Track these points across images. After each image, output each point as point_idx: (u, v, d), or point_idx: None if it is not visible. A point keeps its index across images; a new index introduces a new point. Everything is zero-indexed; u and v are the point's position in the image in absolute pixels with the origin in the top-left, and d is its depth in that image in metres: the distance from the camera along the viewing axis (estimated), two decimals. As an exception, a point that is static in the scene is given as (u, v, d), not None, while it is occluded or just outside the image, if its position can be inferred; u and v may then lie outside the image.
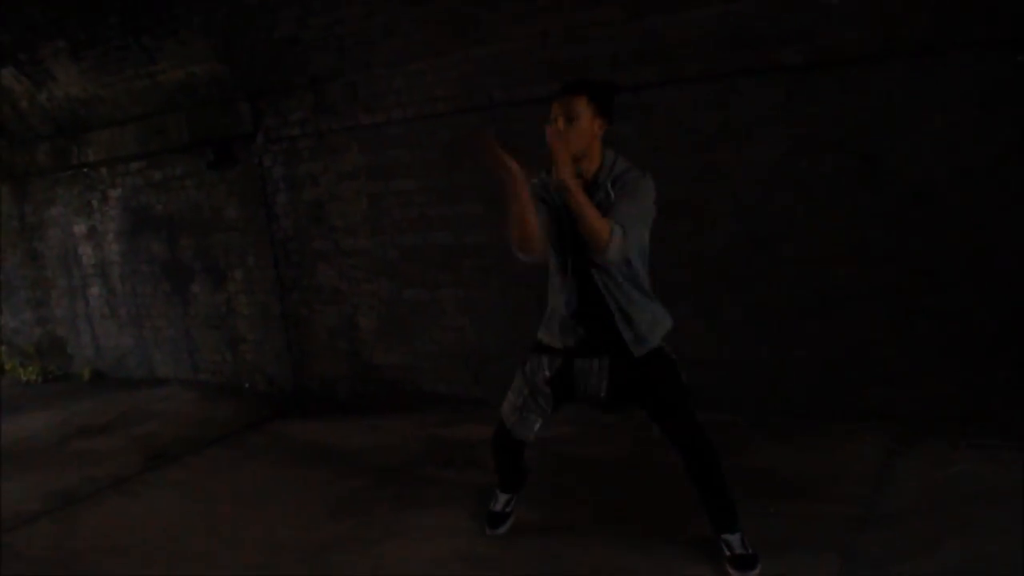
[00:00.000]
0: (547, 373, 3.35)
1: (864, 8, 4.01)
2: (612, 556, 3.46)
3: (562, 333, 3.30)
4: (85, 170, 7.41)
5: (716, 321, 4.70)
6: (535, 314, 3.50)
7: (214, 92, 6.25)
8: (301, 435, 5.63)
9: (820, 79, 4.21)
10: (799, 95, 4.28)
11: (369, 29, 5.30)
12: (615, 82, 3.38)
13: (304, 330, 6.45)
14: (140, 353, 7.62)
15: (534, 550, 3.59)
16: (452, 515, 4.02)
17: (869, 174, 4.19)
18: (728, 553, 3.25)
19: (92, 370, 7.97)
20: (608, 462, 4.45)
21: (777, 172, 4.40)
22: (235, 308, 6.77)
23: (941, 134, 4.00)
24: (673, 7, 4.44)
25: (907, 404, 4.28)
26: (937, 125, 4.00)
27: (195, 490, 4.83)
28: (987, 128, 3.89)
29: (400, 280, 5.84)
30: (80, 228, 7.66)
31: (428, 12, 5.10)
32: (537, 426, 3.47)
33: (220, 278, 6.81)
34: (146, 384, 7.47)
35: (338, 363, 6.33)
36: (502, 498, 3.82)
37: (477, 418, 5.33)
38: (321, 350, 6.40)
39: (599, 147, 3.16)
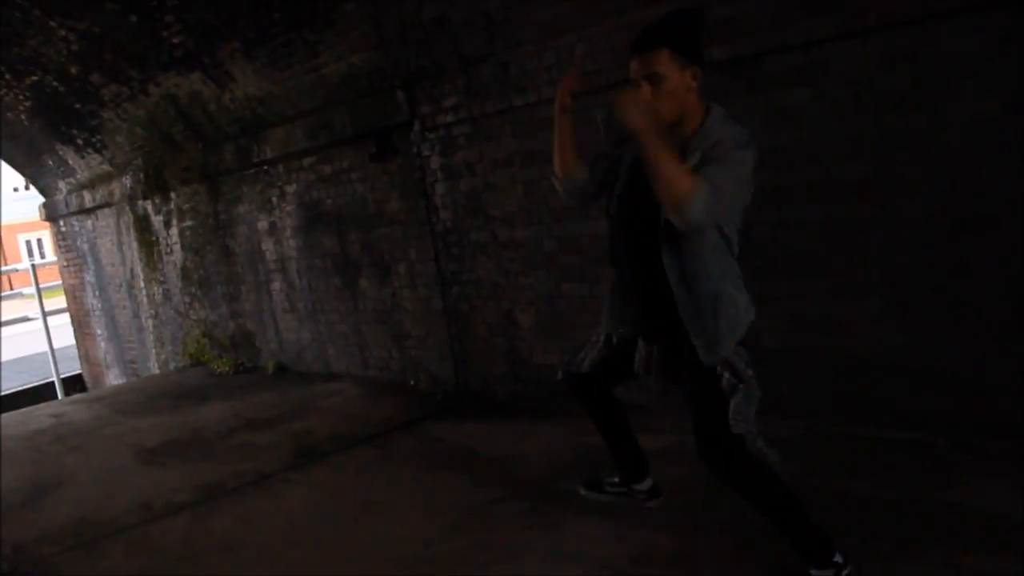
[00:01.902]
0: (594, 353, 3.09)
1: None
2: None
3: (611, 319, 3.00)
4: (265, 167, 7.57)
5: (911, 322, 3.87)
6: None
7: (373, 82, 6.10)
8: (450, 438, 5.33)
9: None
10: (1013, 37, 3.38)
11: (516, 2, 4.89)
12: (700, 10, 2.73)
13: (464, 326, 6.16)
14: (317, 348, 7.69)
15: (661, 589, 3.03)
16: (579, 538, 3.54)
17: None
18: None
19: (276, 363, 8.16)
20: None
21: (986, 136, 3.52)
22: (400, 303, 6.62)
23: None
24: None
25: None
26: None
27: (329, 492, 4.65)
28: None
29: (558, 273, 5.40)
30: (263, 224, 7.85)
31: (577, -23, 4.63)
32: (583, 363, 3.12)
33: (385, 272, 6.68)
34: (321, 379, 7.52)
35: (497, 362, 5.98)
36: (614, 477, 3.43)
37: (636, 426, 4.80)
38: (481, 348, 6.09)
39: (696, 100, 2.62)
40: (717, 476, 2.75)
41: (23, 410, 8.47)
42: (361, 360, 7.22)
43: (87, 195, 10.57)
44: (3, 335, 16.55)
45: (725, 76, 4.22)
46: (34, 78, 8.63)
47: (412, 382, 6.66)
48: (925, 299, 3.82)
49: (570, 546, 3.49)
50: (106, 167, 9.95)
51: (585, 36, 4.72)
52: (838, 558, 2.73)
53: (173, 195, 9.03)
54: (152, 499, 4.82)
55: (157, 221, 9.47)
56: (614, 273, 2.96)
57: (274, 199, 7.60)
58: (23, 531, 4.57)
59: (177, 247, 9.25)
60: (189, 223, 8.94)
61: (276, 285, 7.95)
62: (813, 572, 2.74)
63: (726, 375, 2.67)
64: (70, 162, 10.49)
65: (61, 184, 11.29)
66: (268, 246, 7.87)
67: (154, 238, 9.63)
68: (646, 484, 3.38)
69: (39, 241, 37.17)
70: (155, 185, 9.09)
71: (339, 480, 4.83)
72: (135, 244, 10.00)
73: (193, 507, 4.65)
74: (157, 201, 9.31)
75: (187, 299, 9.39)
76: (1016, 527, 3.07)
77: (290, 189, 7.39)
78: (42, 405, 8.84)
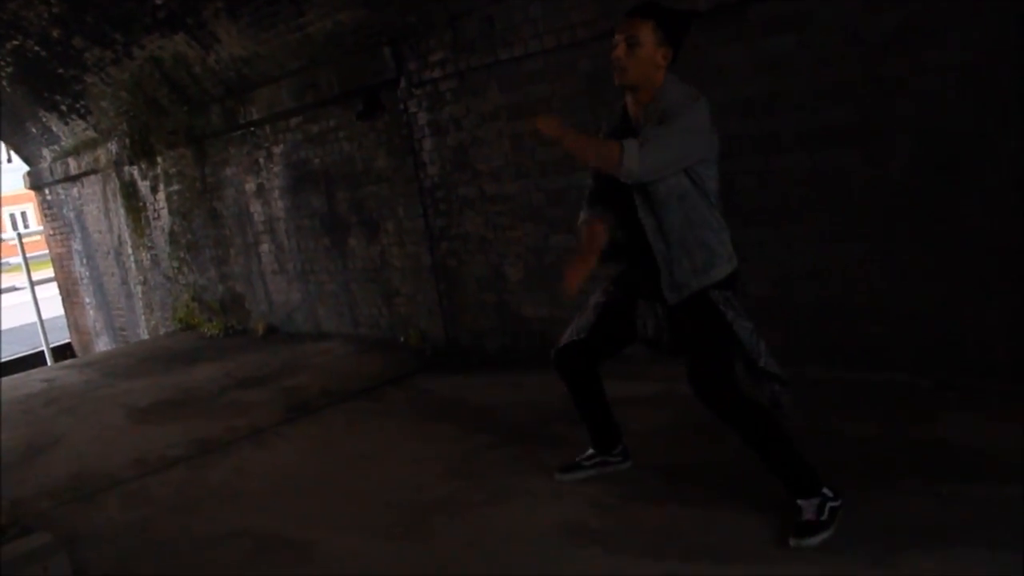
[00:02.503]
0: (600, 298, 3.28)
1: None
2: (738, 532, 2.92)
3: (619, 271, 3.19)
4: (251, 129, 7.54)
5: (895, 265, 3.94)
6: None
7: (360, 39, 6.08)
8: (441, 391, 5.39)
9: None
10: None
11: (502, -46, 4.89)
12: (694, 11, 3.13)
13: (453, 282, 6.20)
14: (307, 308, 7.72)
15: (647, 524, 3.10)
16: (573, 482, 3.59)
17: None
18: (797, 519, 2.83)
19: (266, 325, 8.18)
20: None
21: (968, 83, 3.56)
22: (388, 261, 6.65)
23: None
24: None
25: None
26: None
27: (322, 443, 4.72)
28: None
29: (546, 226, 5.43)
30: (250, 186, 7.84)
31: (562, -74, 4.62)
32: (569, 336, 3.36)
33: (374, 230, 6.70)
34: (311, 339, 7.56)
35: (487, 316, 6.03)
36: (588, 451, 3.61)
37: (624, 374, 4.84)
38: (470, 303, 6.13)
39: (662, 78, 2.89)
40: (714, 412, 2.92)
41: (14, 376, 8.49)
42: (351, 319, 7.26)
43: (72, 162, 10.50)
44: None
45: (711, 25, 4.24)
46: (15, 43, 8.52)
47: (402, 339, 6.70)
48: (908, 244, 3.88)
49: (560, 487, 3.55)
50: (91, 133, 9.88)
51: (571, -12, 4.72)
52: (826, 491, 2.85)
53: (159, 160, 8.99)
54: (147, 454, 4.86)
55: (144, 186, 9.43)
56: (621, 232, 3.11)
57: (261, 160, 7.59)
58: (20, 487, 4.60)
59: (164, 212, 9.22)
60: (176, 187, 8.91)
61: (265, 247, 7.96)
62: (800, 502, 2.85)
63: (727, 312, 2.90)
64: (54, 129, 10.40)
65: (45, 152, 11.20)
66: (256, 208, 7.87)
67: (141, 204, 9.60)
68: (618, 448, 3.57)
69: (23, 214, 36.95)
70: (141, 150, 9.04)
71: (331, 433, 4.89)
72: (122, 210, 9.96)
73: (188, 460, 4.71)
74: (143, 166, 9.27)
75: (176, 264, 9.39)
76: (991, 457, 3.16)
77: (277, 150, 7.37)
78: (33, 371, 8.85)
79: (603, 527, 3.14)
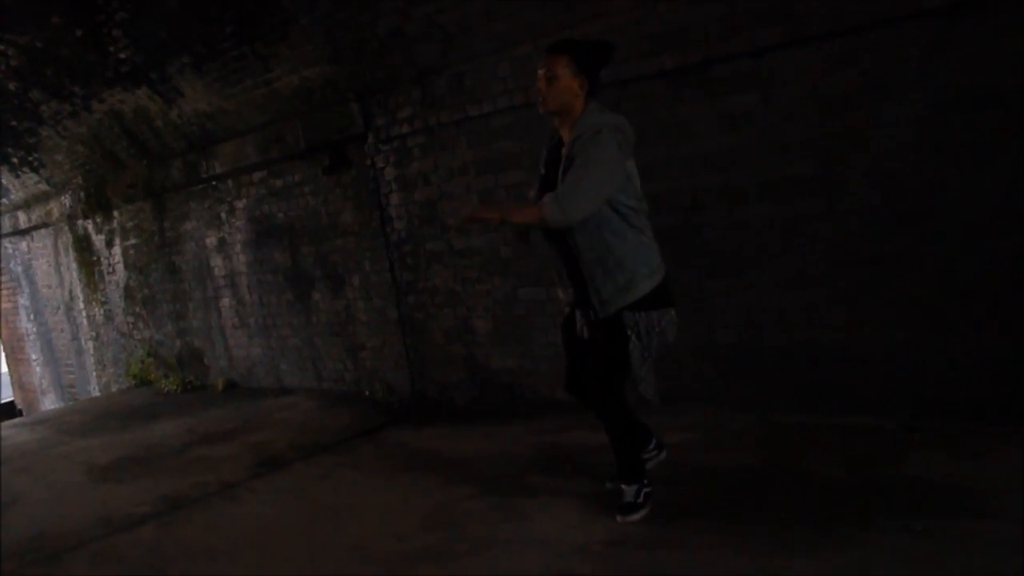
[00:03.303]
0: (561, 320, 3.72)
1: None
2: (724, 573, 2.98)
3: (563, 289, 3.59)
4: (214, 183, 7.55)
5: (857, 310, 4.10)
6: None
7: (327, 95, 6.18)
8: (412, 443, 5.38)
9: (968, 23, 3.58)
10: (944, 44, 3.66)
11: (471, 14, 5.04)
12: (605, 41, 3.42)
13: (421, 335, 6.24)
14: (268, 362, 7.66)
15: (635, 568, 3.15)
16: (550, 527, 3.64)
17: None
18: (622, 500, 3.55)
19: (226, 380, 8.09)
20: (731, 470, 3.93)
21: (922, 135, 3.78)
22: (354, 315, 6.66)
23: None
24: (793, -44, 3.93)
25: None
26: None
27: (296, 497, 4.66)
28: None
29: (514, 279, 5.52)
30: (211, 240, 7.82)
31: (531, -10, 4.79)
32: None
33: (339, 284, 6.72)
34: (273, 394, 7.49)
35: (455, 368, 6.07)
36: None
37: (594, 424, 4.95)
38: (438, 355, 6.17)
39: (582, 105, 3.30)
40: (592, 411, 3.57)
41: (-41, 436, 8.22)
42: (315, 373, 7.23)
43: (22, 215, 10.35)
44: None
45: (676, 83, 4.44)
46: (-33, 95, 8.45)
47: (367, 392, 6.70)
48: (869, 290, 4.05)
49: (543, 534, 3.57)
50: (43, 186, 9.77)
51: (541, 48, 4.86)
52: (645, 481, 3.57)
53: (116, 213, 8.92)
54: (112, 513, 4.76)
55: (98, 240, 9.32)
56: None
57: (223, 214, 7.58)
58: (-21, 549, 4.48)
59: (120, 266, 9.11)
60: (133, 241, 8.83)
61: (225, 301, 7.91)
62: (623, 486, 3.54)
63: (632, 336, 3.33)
64: (3, 182, 10.25)
65: (-7, 205, 11.02)
66: (217, 262, 7.83)
67: (95, 258, 9.47)
68: (652, 444, 3.86)
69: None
70: (96, 203, 8.97)
71: (304, 486, 4.84)
72: (74, 265, 9.82)
73: (157, 518, 4.61)
74: (98, 220, 9.17)
75: (131, 319, 9.25)
76: (960, 494, 3.28)
77: (240, 204, 7.38)
78: (-21, 430, 8.58)
79: (592, 573, 3.17)
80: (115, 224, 8.98)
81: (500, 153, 5.35)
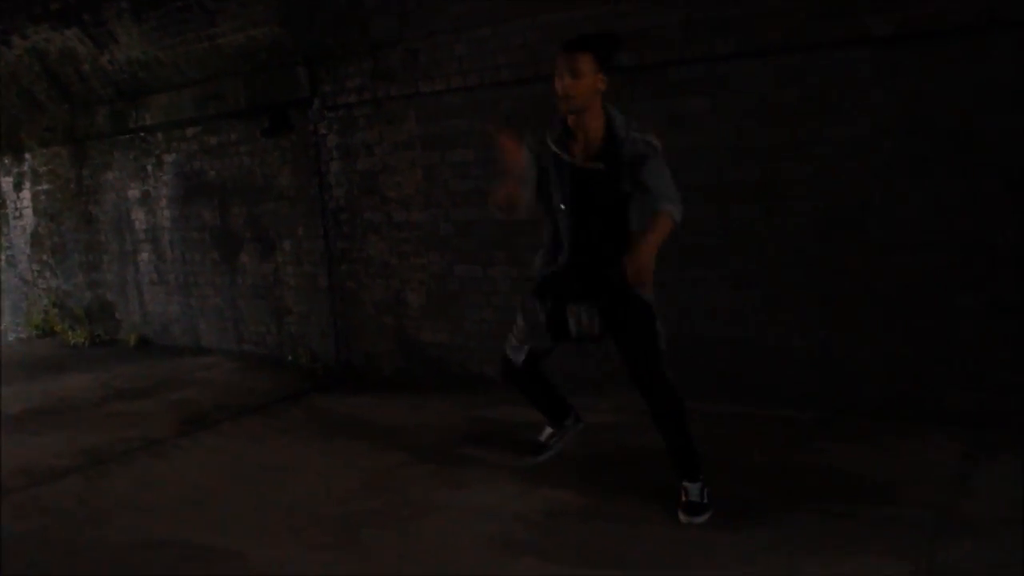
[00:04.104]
0: (543, 317, 3.59)
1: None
2: (663, 544, 3.21)
3: (555, 278, 3.53)
4: (142, 134, 7.36)
5: (786, 309, 4.40)
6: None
7: (273, 57, 6.12)
8: (340, 409, 5.45)
9: (911, 52, 3.89)
10: (887, 69, 3.96)
11: (433, -8, 5.11)
12: (618, 35, 3.47)
13: (350, 304, 6.28)
14: (186, 321, 7.54)
15: (576, 536, 3.34)
16: (489, 496, 3.80)
17: (961, 156, 3.86)
18: (684, 499, 3.42)
19: (138, 336, 7.92)
20: (661, 451, 4.15)
21: (860, 151, 4.09)
22: (282, 279, 6.64)
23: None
24: (753, -28, 4.17)
25: (989, 409, 3.94)
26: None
27: (228, 457, 4.68)
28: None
29: (452, 255, 5.63)
30: (134, 193, 7.62)
31: (495, -25, 4.90)
32: (522, 356, 3.74)
33: (269, 248, 6.68)
34: (190, 352, 7.39)
35: (384, 339, 6.15)
36: (546, 431, 4.11)
37: (522, 400, 5.12)
38: (367, 325, 6.22)
39: (599, 100, 3.30)
40: (661, 394, 3.49)
41: None
42: (235, 335, 7.16)
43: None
44: None
45: (631, 81, 4.62)
46: None
47: (291, 357, 6.70)
48: (800, 292, 4.35)
49: (482, 503, 3.73)
50: (-54, 121, 9.27)
51: (500, 32, 4.99)
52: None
53: (28, 156, 8.55)
54: (32, 464, 4.66)
55: (6, 183, 8.93)
56: (560, 249, 3.48)
57: (150, 167, 7.40)
58: None
59: (28, 212, 8.77)
60: (45, 187, 8.50)
61: (145, 256, 7.73)
62: (687, 484, 3.45)
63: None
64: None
65: None
66: (139, 215, 7.64)
67: (0, 200, 9.07)
68: (570, 417, 4.05)
69: None
70: (7, 144, 8.58)
71: (234, 446, 4.85)
72: (-25, 206, 9.38)
73: (80, 471, 4.55)
74: (7, 162, 8.78)
75: (36, 267, 8.92)
76: (869, 482, 3.60)
77: (169, 158, 7.23)
78: None
79: (533, 540, 3.34)
80: (26, 167, 8.63)
81: (449, 131, 5.44)
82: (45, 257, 8.76)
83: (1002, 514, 3.24)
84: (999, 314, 3.86)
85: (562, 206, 3.40)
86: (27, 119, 8.26)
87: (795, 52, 4.14)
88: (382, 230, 5.96)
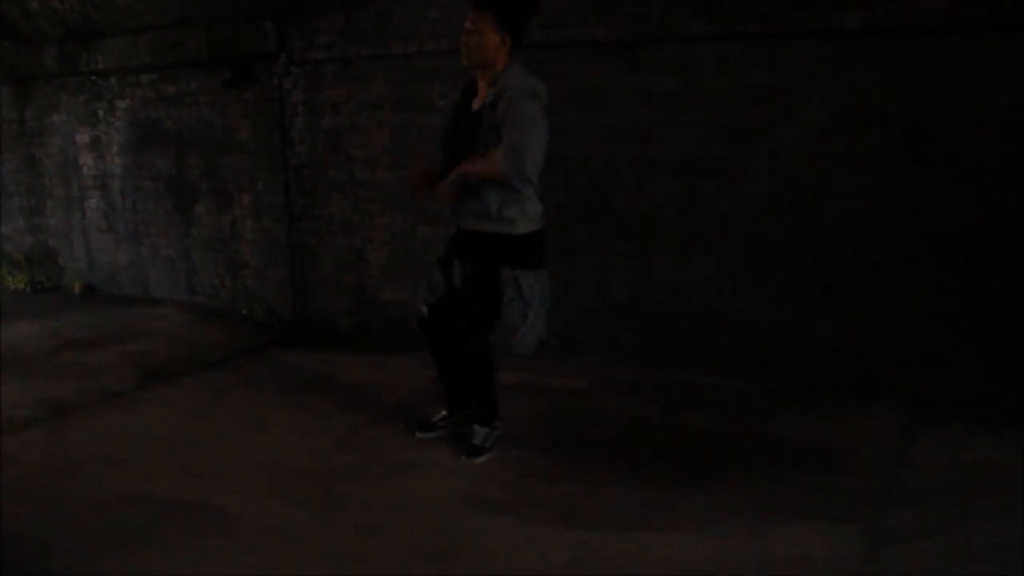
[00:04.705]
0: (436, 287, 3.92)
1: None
2: (628, 504, 3.40)
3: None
4: (93, 78, 7.16)
5: (741, 283, 4.60)
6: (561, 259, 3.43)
7: (238, 7, 6.01)
8: (301, 365, 5.50)
9: (876, 47, 4.08)
10: (853, 61, 4.15)
11: (409, -46, 5.10)
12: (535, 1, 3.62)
13: (309, 260, 6.30)
14: (135, 270, 7.44)
15: (548, 497, 3.51)
16: (459, 456, 3.93)
17: (916, 148, 4.07)
18: (471, 441, 3.86)
19: (83, 284, 7.77)
20: (622, 416, 4.35)
21: (822, 138, 4.27)
22: (239, 232, 6.60)
23: (996, 113, 3.89)
24: (732, -43, 4.29)
25: (928, 385, 4.21)
26: (992, 104, 3.89)
27: (193, 410, 4.71)
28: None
29: (416, 216, 5.69)
30: (83, 138, 7.43)
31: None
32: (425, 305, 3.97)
33: (227, 200, 6.62)
34: (139, 302, 7.30)
35: (342, 296, 6.19)
36: (441, 413, 4.19)
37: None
38: (326, 282, 6.25)
39: (504, 60, 3.57)
40: (458, 349, 3.89)
41: None
42: (187, 286, 7.10)
43: None
44: None
45: (604, 56, 4.72)
46: None
47: (245, 311, 6.68)
48: (755, 267, 4.55)
49: (454, 463, 3.86)
50: None
51: (475, -3, 5.01)
52: (497, 425, 3.93)
53: (-35, 93, 8.23)
54: (-11, 413, 4.62)
55: (-60, 120, 8.57)
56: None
57: (101, 112, 7.22)
58: None
59: (-35, 151, 8.45)
60: (-17, 126, 8.20)
61: (92, 203, 7.56)
62: (476, 426, 3.92)
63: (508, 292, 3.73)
64: None
65: None
66: (87, 161, 7.46)
67: (-67, 138, 8.71)
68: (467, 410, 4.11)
69: None
70: (-58, 80, 8.22)
71: (197, 400, 4.88)
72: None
73: (42, 423, 4.52)
74: (-58, 98, 8.43)
75: (-29, 208, 8.63)
76: (819, 450, 3.85)
77: (122, 104, 7.06)
78: None
79: (508, 500, 3.49)
80: (-38, 104, 8.30)
81: (420, 94, 5.45)
82: (-18, 199, 8.49)
83: (939, 484, 3.52)
84: (943, 298, 4.12)
85: (443, 149, 3.76)
86: (-34, 55, 7.93)
87: (765, 38, 4.28)
88: (345, 188, 5.98)
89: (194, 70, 6.49)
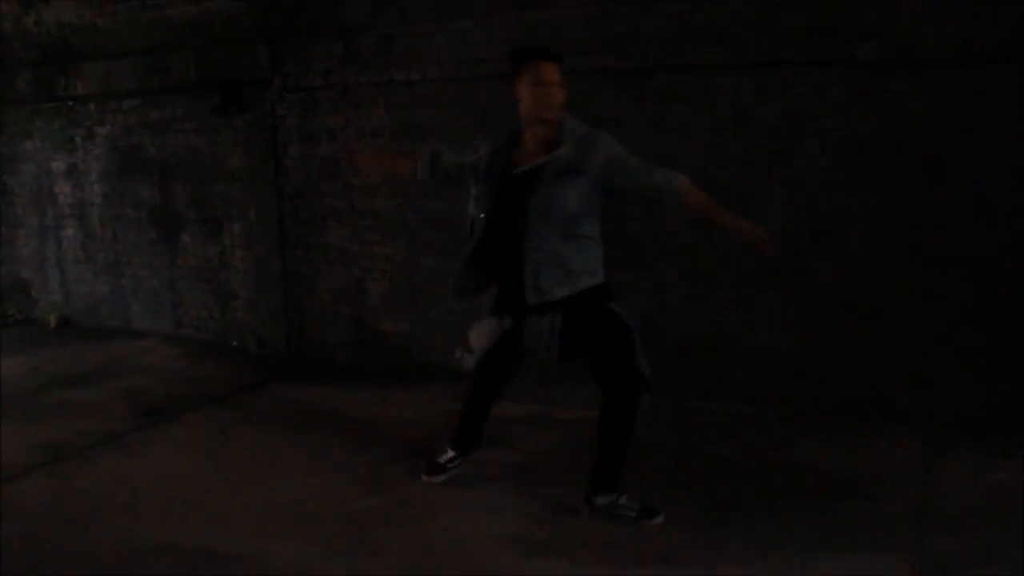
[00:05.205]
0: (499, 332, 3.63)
1: (943, 11, 3.95)
2: (672, 542, 3.34)
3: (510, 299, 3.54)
4: (70, 103, 6.93)
5: (756, 311, 4.60)
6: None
7: (229, 32, 5.88)
8: (304, 400, 5.35)
9: (891, 77, 4.13)
10: (868, 91, 4.19)
11: (414, -21, 5.04)
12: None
13: (305, 291, 6.15)
14: (116, 302, 7.20)
15: (586, 532, 3.44)
16: (490, 494, 3.85)
17: (930, 178, 4.13)
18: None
19: (59, 316, 7.50)
20: (643, 446, 4.29)
21: (836, 167, 4.31)
22: (229, 263, 6.43)
23: (1008, 143, 3.96)
24: (746, -13, 4.31)
25: (940, 410, 4.26)
26: (1005, 134, 3.96)
27: (199, 452, 4.52)
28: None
29: (419, 246, 5.60)
30: (59, 165, 7.18)
31: (481, -34, 4.88)
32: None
33: (215, 230, 6.45)
34: (121, 335, 7.05)
35: (340, 328, 6.06)
36: (448, 454, 3.99)
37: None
38: (322, 313, 6.12)
39: None
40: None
41: None
42: (173, 318, 6.89)
43: None
44: None
45: (617, 84, 4.71)
46: None
47: (236, 343, 6.51)
48: (769, 295, 4.56)
49: (485, 501, 3.76)
50: None
51: (483, 25, 4.97)
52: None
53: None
54: (-14, 459, 4.40)
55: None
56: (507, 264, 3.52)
57: (78, 139, 6.99)
58: None
59: (-70, 179, 8.12)
60: (-50, 153, 7.89)
61: (69, 232, 7.31)
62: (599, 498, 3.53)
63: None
64: None
65: None
66: (64, 189, 7.21)
67: None
68: (476, 453, 4.04)
69: None
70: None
71: (204, 441, 4.69)
72: None
73: (43, 468, 4.31)
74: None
75: (-63, 239, 8.29)
76: (844, 478, 3.85)
77: (102, 130, 6.84)
78: None
79: (548, 538, 3.40)
80: (-72, 131, 7.98)
81: (422, 120, 5.38)
82: (-51, 229, 8.16)
83: (969, 508, 3.55)
84: (957, 325, 4.17)
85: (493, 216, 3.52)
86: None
87: (779, 67, 4.31)
88: (344, 217, 5.86)
89: (180, 95, 6.32)
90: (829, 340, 4.46)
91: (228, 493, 3.96)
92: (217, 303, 6.58)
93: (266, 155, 6.03)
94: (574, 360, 3.52)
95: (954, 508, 3.57)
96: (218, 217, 6.39)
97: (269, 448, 4.54)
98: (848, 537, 3.32)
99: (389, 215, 5.66)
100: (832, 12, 4.15)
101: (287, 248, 6.13)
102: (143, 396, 5.42)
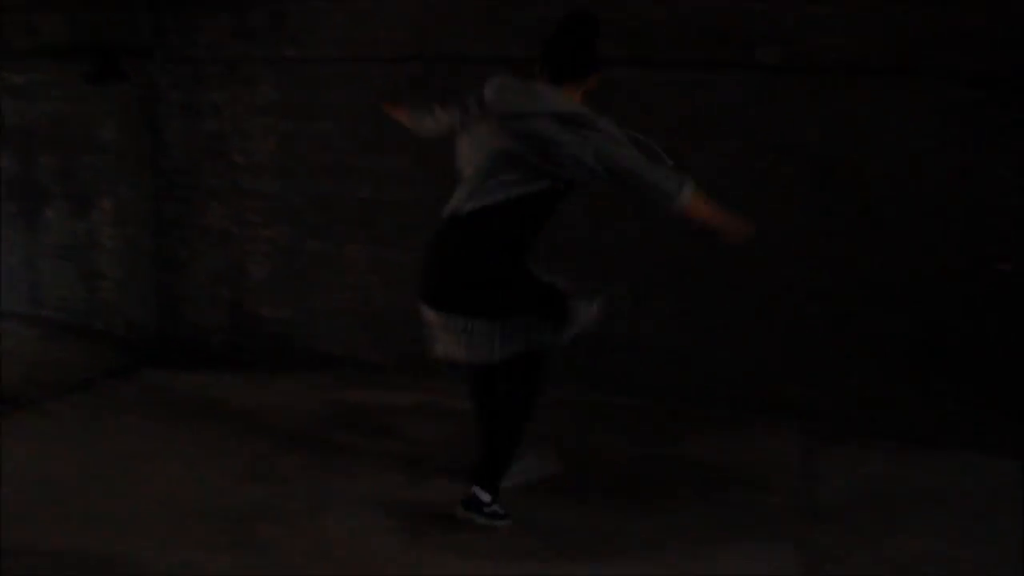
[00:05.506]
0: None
1: (843, 22, 4.10)
2: (569, 533, 3.36)
3: None
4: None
5: (650, 306, 4.68)
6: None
7: (106, -6, 5.52)
8: (177, 386, 5.07)
9: (790, 84, 4.26)
10: (767, 96, 4.31)
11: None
12: None
13: (180, 272, 5.84)
14: (-35, 279, 6.65)
15: (487, 528, 3.39)
16: (379, 487, 3.75)
17: (824, 183, 4.29)
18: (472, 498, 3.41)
19: None
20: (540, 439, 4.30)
21: (733, 169, 4.41)
22: (97, 241, 6.04)
23: (900, 154, 4.16)
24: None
25: (821, 405, 4.45)
26: (897, 145, 4.15)
27: (64, 444, 4.18)
28: (943, 153, 4.08)
29: (304, 229, 5.40)
30: (-100, 128, 6.57)
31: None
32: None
33: (83, 205, 6.04)
34: (-28, 315, 6.53)
35: (217, 312, 5.78)
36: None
37: (376, 383, 5.12)
38: (198, 296, 5.82)
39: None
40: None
41: None
42: (30, 298, 6.42)
43: None
44: None
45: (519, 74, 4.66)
46: None
47: (102, 326, 6.13)
48: (665, 291, 4.64)
49: (375, 495, 3.65)
50: None
51: (384, 6, 4.84)
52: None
53: None
54: None
55: None
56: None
57: (-74, 101, 6.41)
58: None
59: None
60: None
61: (-89, 202, 6.70)
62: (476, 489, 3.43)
63: None
64: None
65: None
66: (-95, 155, 6.60)
67: None
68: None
69: None
70: None
71: (67, 430, 4.37)
72: None
73: None
74: None
75: None
76: (734, 471, 3.97)
77: (-46, 94, 6.30)
78: None
79: (442, 533, 3.34)
80: None
81: (315, 100, 5.19)
82: None
83: (850, 499, 3.73)
84: (839, 323, 4.36)
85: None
86: None
87: (683, 68, 4.38)
88: (226, 197, 5.59)
89: (47, 59, 5.87)
90: (718, 338, 4.58)
91: (99, 488, 3.70)
92: (82, 283, 6.17)
93: (143, 128, 5.69)
94: None
95: (838, 499, 3.74)
96: (87, 192, 5.99)
97: (141, 438, 4.29)
98: (738, 529, 3.41)
99: (274, 197, 5.45)
100: (737, 15, 4.25)
101: (162, 227, 5.81)
102: (-3, 381, 5.03)
